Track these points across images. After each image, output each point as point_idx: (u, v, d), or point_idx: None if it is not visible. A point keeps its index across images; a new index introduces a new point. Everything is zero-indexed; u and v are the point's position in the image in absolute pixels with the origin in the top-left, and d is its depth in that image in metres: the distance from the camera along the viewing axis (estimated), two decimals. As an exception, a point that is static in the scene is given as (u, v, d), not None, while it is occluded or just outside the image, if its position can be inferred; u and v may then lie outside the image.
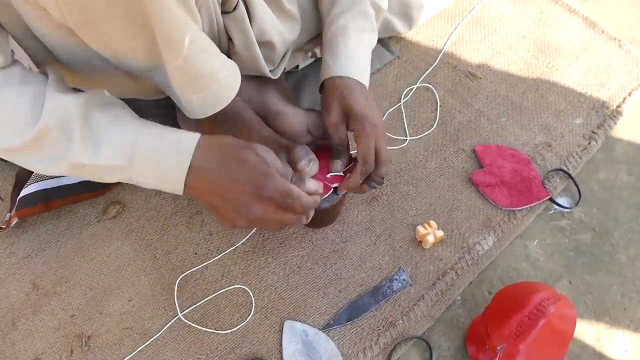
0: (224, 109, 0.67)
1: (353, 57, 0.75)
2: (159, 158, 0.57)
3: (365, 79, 0.75)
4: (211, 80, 0.63)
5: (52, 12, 0.52)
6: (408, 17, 1.02)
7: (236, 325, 0.78)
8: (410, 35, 1.08)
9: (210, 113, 0.67)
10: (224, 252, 0.84)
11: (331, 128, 0.74)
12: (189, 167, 0.57)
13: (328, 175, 0.74)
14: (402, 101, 0.99)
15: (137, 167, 0.57)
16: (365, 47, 0.78)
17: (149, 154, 0.57)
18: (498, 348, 0.68)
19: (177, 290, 0.81)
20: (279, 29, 0.73)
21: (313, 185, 0.64)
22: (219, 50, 0.63)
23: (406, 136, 0.95)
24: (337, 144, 0.74)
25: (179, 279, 0.82)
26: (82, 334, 0.78)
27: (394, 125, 0.97)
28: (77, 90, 0.61)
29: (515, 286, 0.74)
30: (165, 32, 0.54)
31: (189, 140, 0.58)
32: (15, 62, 0.59)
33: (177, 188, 0.59)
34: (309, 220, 0.65)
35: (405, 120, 0.97)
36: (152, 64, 0.59)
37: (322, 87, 0.76)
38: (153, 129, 0.58)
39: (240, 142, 0.60)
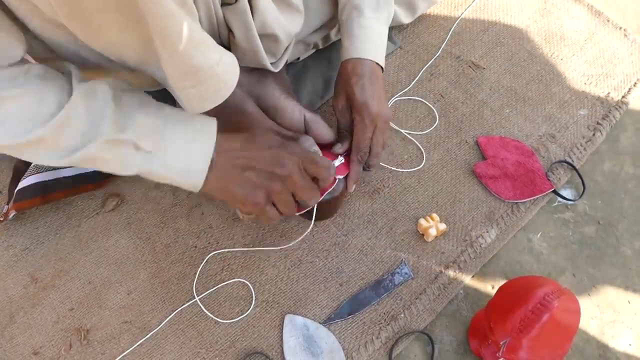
0: (225, 101, 0.66)
1: (368, 37, 0.76)
2: (188, 138, 0.61)
3: (380, 56, 0.77)
4: (209, 74, 0.62)
5: (41, 6, 0.50)
6: (412, 8, 1.01)
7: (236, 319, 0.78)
8: (413, 25, 1.06)
9: (208, 107, 0.66)
10: (224, 246, 0.83)
11: (337, 113, 0.78)
12: (215, 148, 0.61)
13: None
14: (403, 90, 0.98)
15: (165, 148, 0.60)
16: (381, 23, 0.78)
17: (178, 134, 0.60)
18: (501, 342, 0.67)
19: (177, 284, 0.80)
20: (282, 22, 0.71)
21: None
22: (216, 43, 0.62)
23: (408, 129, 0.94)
24: (342, 129, 0.77)
25: (205, 259, 0.82)
26: (81, 327, 0.78)
27: (397, 116, 0.95)
28: None
29: (519, 280, 0.73)
30: (158, 27, 0.52)
31: (210, 122, 0.63)
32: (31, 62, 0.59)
33: (202, 164, 0.61)
34: (314, 205, 0.70)
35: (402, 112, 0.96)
36: (147, 58, 0.58)
37: (339, 70, 0.78)
38: (180, 113, 0.63)
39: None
